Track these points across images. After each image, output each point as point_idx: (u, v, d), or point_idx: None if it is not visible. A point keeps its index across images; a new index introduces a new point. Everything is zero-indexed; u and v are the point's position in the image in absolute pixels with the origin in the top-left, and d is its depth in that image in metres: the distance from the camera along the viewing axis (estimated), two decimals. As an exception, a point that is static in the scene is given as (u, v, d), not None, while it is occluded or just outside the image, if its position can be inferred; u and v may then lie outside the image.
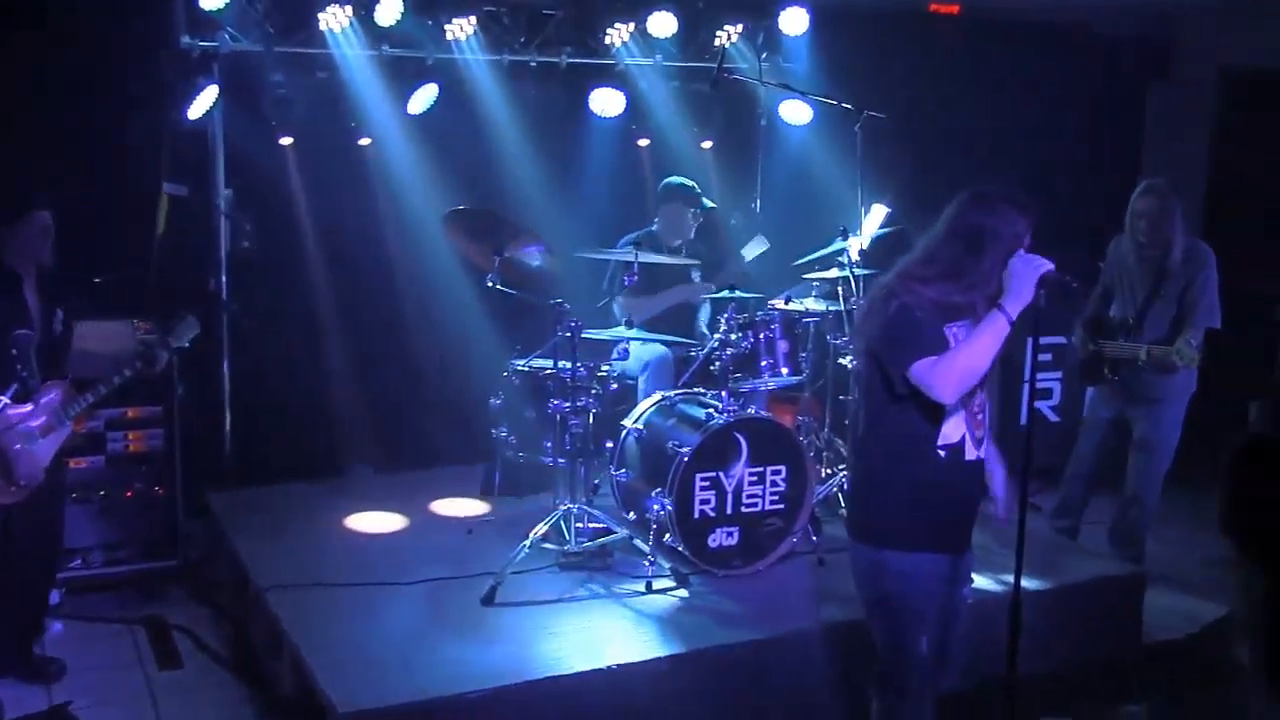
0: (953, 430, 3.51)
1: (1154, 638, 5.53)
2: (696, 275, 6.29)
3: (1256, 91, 8.35)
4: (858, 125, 5.87)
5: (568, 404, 5.32)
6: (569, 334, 5.24)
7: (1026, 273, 3.34)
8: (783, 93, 6.85)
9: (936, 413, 3.47)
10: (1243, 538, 1.21)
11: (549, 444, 5.43)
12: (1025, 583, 5.29)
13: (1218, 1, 7.89)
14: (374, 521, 5.93)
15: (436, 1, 6.41)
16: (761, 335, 5.54)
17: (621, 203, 7.14)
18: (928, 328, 3.39)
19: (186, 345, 5.02)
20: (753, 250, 6.38)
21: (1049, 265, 3.35)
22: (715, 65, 6.16)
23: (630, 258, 5.51)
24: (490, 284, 5.59)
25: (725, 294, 5.73)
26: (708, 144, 7.44)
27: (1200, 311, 5.60)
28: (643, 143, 7.36)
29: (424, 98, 6.52)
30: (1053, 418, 7.61)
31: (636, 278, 5.57)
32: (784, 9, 6.98)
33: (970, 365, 3.35)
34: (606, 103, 6.92)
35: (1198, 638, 5.55)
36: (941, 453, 3.51)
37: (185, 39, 6.03)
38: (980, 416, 3.58)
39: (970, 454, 3.56)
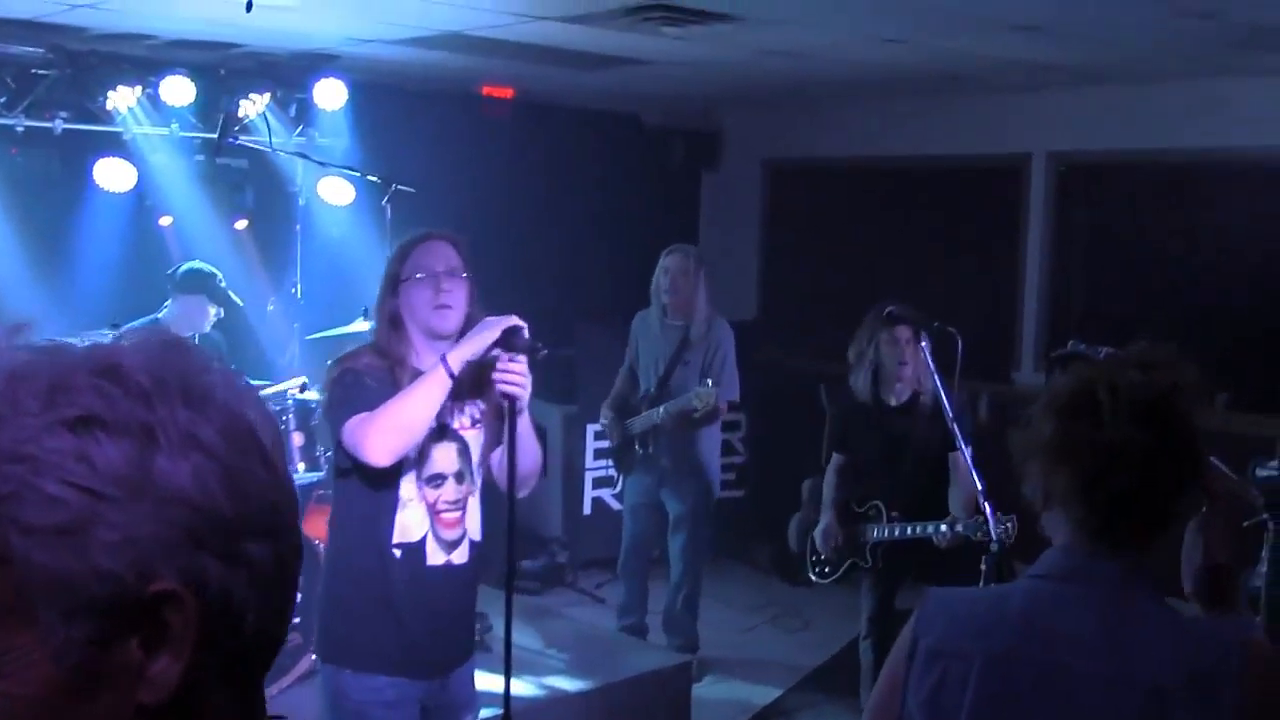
0: (411, 525, 2.97)
1: (706, 730, 5.31)
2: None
3: (795, 181, 8.73)
4: (385, 199, 5.49)
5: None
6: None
7: (486, 326, 2.92)
8: (321, 170, 6.37)
9: (388, 500, 2.95)
10: None
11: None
12: (569, 684, 5.03)
13: (755, 100, 8.18)
14: None
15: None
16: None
17: (138, 287, 6.32)
18: (376, 391, 2.89)
19: None
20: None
21: (517, 321, 2.96)
22: (219, 134, 5.61)
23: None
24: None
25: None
26: (242, 223, 6.80)
27: (724, 382, 5.54)
28: (165, 221, 6.61)
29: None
30: (616, 505, 7.42)
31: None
32: (318, 80, 6.51)
33: (402, 419, 2.82)
34: (113, 175, 6.12)
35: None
36: (396, 551, 2.96)
37: None
38: (452, 515, 3.01)
39: (436, 558, 3.01)
